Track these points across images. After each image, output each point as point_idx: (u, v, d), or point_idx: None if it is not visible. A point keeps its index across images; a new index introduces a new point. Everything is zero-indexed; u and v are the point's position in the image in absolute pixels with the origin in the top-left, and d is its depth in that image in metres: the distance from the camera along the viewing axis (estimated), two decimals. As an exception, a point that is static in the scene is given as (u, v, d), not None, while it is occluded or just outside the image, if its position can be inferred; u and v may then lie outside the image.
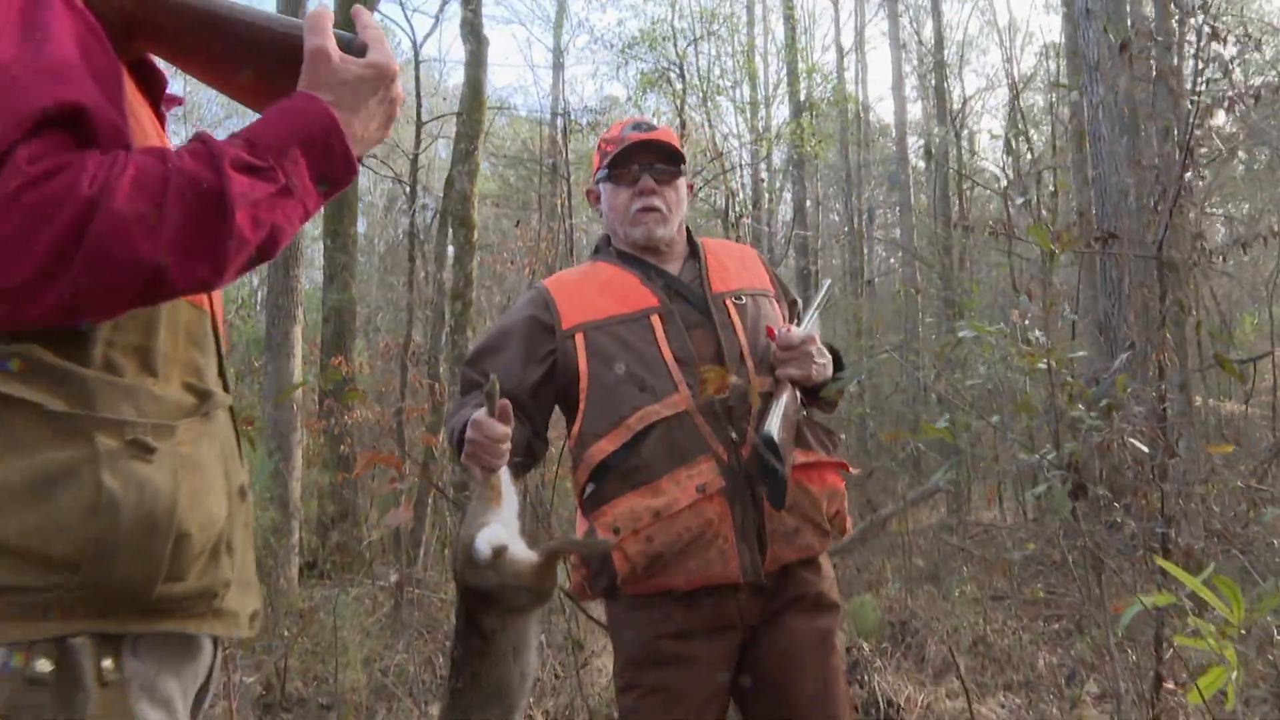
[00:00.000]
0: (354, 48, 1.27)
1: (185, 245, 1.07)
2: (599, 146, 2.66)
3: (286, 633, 5.76)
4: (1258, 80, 12.05)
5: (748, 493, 2.35)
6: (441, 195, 11.32)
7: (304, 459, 9.08)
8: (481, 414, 2.11)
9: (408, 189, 12.05)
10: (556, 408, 2.56)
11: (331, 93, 1.23)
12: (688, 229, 2.68)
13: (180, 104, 1.44)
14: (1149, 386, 3.12)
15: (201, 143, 1.13)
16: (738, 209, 13.85)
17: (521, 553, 1.94)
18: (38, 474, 1.08)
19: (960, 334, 2.84)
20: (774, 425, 2.26)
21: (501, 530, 1.96)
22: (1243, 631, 1.58)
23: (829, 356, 2.53)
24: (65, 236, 1.01)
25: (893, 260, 23.48)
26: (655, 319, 2.44)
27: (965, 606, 6.69)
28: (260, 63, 1.28)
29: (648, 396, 2.35)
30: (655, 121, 2.72)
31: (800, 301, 2.73)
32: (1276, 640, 4.06)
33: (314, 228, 14.57)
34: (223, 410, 1.33)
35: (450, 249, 10.48)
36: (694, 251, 2.64)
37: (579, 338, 2.42)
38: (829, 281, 2.98)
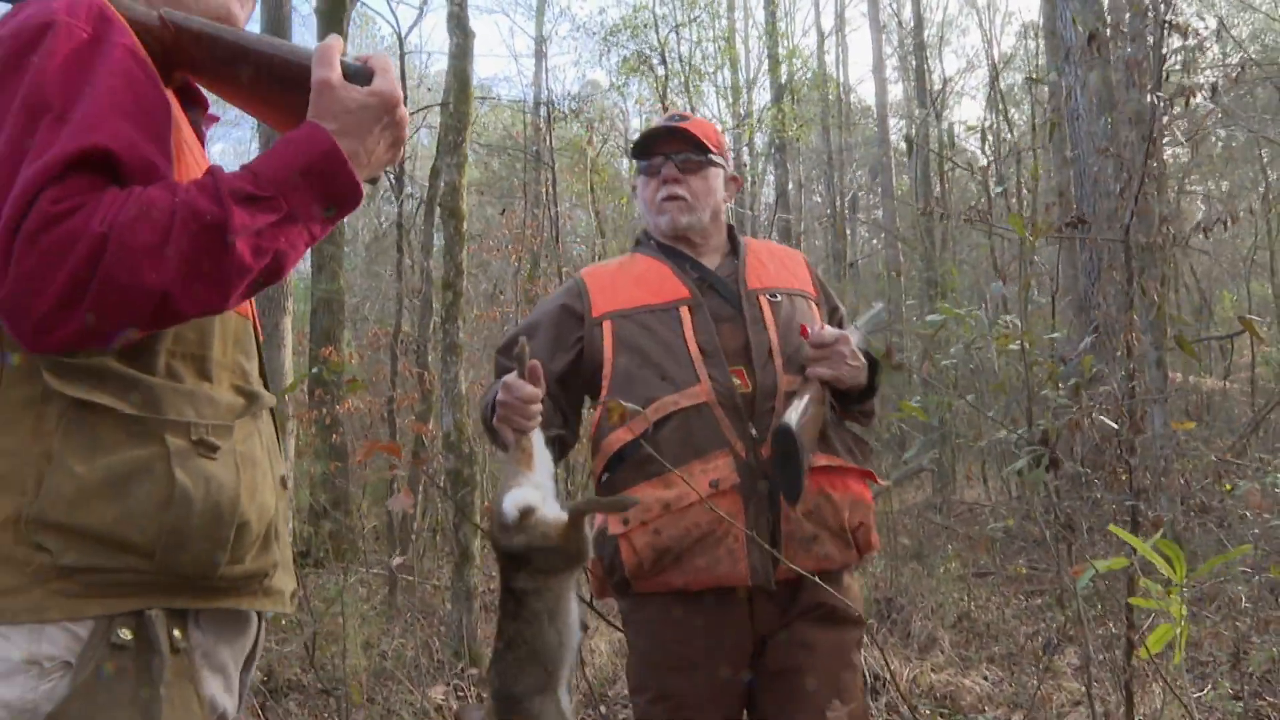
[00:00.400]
0: (361, 76, 1.36)
1: (190, 274, 1.17)
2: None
3: (286, 621, 5.86)
4: (1236, 57, 12.19)
5: (764, 493, 2.28)
6: (426, 184, 11.40)
7: (295, 449, 9.17)
8: (512, 376, 2.09)
9: (393, 179, 12.10)
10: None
11: (336, 121, 1.32)
12: (730, 226, 2.64)
13: (217, 121, 1.56)
14: (1118, 366, 3.26)
15: (210, 175, 1.24)
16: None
17: (552, 514, 1.92)
18: (118, 470, 1.22)
19: (929, 318, 2.93)
20: (792, 416, 2.20)
21: (532, 492, 1.95)
22: (1186, 590, 1.70)
23: (864, 362, 2.42)
24: (80, 271, 1.12)
25: (875, 241, 23.61)
26: (684, 310, 2.40)
27: (950, 583, 6.83)
28: (283, 89, 1.38)
29: (668, 386, 2.31)
30: (690, 114, 2.73)
31: (844, 310, 2.68)
32: (1244, 608, 4.22)
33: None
34: (266, 409, 1.46)
35: (438, 238, 10.55)
36: (735, 248, 2.59)
37: (607, 325, 2.41)
38: (880, 304, 2.91)
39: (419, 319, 11.02)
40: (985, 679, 5.11)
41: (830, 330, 2.37)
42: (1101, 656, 3.39)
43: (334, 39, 1.37)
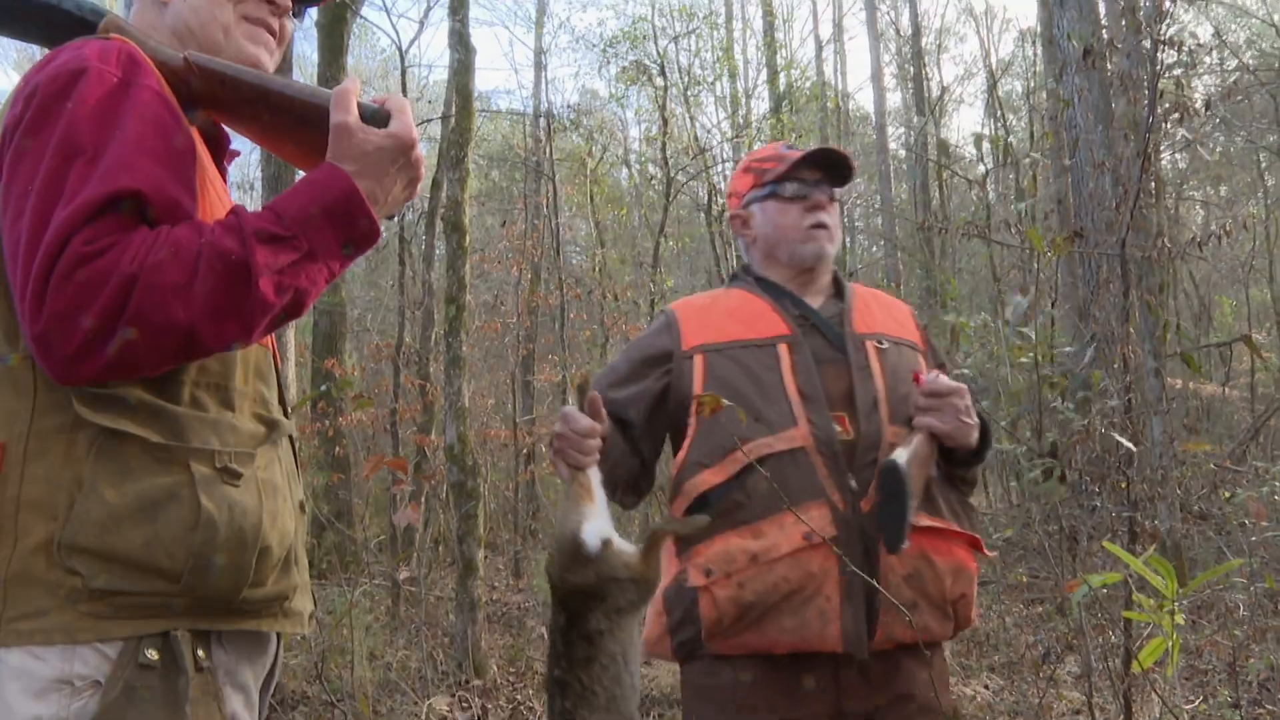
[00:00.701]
0: (378, 118, 1.41)
1: (215, 310, 1.23)
2: (748, 167, 2.45)
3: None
4: (1232, 64, 12.25)
5: (861, 550, 2.07)
6: (426, 195, 11.44)
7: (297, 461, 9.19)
8: (570, 408, 1.98)
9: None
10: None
11: (354, 163, 1.37)
12: (835, 270, 2.46)
13: (238, 156, 1.62)
14: (1115, 379, 3.30)
15: (234, 215, 1.29)
16: (720, 202, 14.00)
17: (625, 544, 1.83)
18: (145, 497, 1.28)
19: (945, 318, 2.94)
20: (901, 456, 2.02)
21: (605, 524, 1.85)
22: (1183, 600, 1.74)
23: (977, 421, 2.20)
24: (110, 308, 1.18)
25: (875, 249, 23.66)
26: (783, 348, 2.21)
27: (951, 591, 6.83)
28: (304, 131, 1.43)
29: (761, 428, 2.11)
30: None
31: (950, 368, 2.49)
32: (1241, 616, 4.25)
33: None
34: (285, 436, 1.50)
35: (439, 247, 10.59)
36: (839, 290, 2.41)
37: (698, 359, 2.23)
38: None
39: (421, 331, 11.07)
40: (986, 688, 5.14)
41: (946, 380, 2.17)
42: (1101, 666, 3.43)
43: (351, 82, 1.42)
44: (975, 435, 2.18)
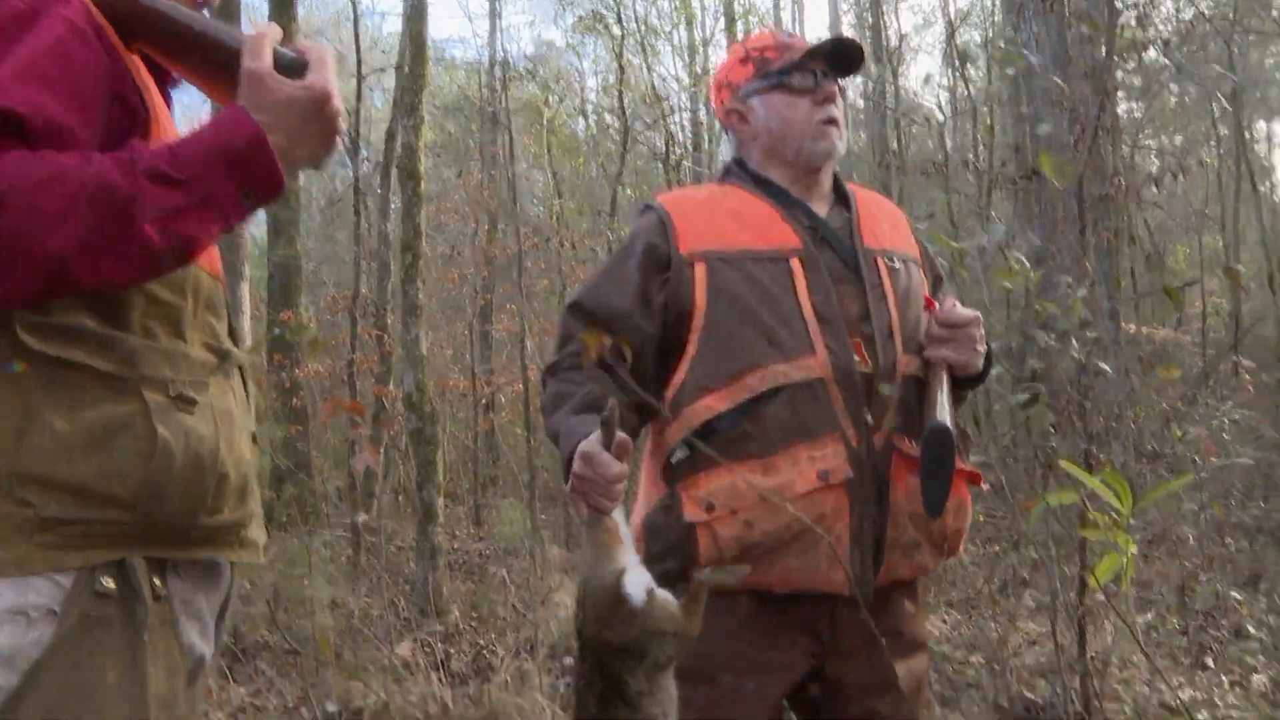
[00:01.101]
0: (294, 69, 1.33)
1: (91, 245, 1.16)
2: (746, 56, 2.21)
3: (251, 583, 5.88)
4: (1189, 12, 12.31)
5: (873, 490, 1.96)
6: (382, 147, 11.33)
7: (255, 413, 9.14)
8: (594, 444, 1.77)
9: (348, 142, 12.01)
10: None
11: (264, 113, 1.29)
12: (835, 171, 2.25)
13: (180, 84, 1.55)
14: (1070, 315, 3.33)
15: (129, 150, 1.22)
16: (678, 151, 13.96)
17: (666, 594, 1.66)
18: (100, 425, 1.24)
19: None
20: (945, 415, 1.92)
21: (643, 572, 1.68)
22: (1137, 531, 1.76)
23: (985, 350, 2.11)
24: None
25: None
26: (796, 262, 2.02)
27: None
28: (228, 73, 1.35)
29: (775, 353, 1.95)
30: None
31: (944, 279, 2.36)
32: (1191, 547, 4.34)
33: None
34: (236, 367, 1.49)
35: (396, 202, 10.50)
36: (841, 196, 2.21)
37: (699, 267, 2.01)
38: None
39: (377, 281, 10.99)
40: (944, 622, 5.22)
41: (962, 310, 2.06)
42: (1061, 599, 3.50)
43: (268, 27, 1.35)
44: (982, 362, 2.11)
